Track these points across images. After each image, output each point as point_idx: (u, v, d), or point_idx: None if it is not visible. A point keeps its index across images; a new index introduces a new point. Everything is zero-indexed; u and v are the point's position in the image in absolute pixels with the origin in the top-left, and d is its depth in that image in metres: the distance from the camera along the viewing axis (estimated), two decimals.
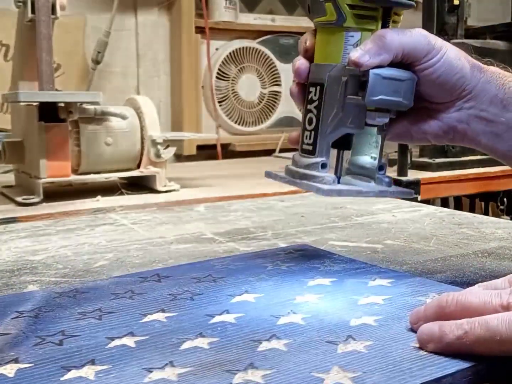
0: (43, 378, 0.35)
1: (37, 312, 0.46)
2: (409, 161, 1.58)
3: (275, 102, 2.35)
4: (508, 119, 0.52)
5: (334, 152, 0.55)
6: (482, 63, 0.54)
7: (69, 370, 0.36)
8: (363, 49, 0.49)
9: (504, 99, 0.52)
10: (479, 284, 0.42)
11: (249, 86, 2.29)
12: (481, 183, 1.72)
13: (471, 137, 0.54)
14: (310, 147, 0.54)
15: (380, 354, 0.37)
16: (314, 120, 0.54)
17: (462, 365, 0.35)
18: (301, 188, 0.56)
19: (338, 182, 0.55)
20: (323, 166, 0.54)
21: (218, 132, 2.24)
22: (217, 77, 2.24)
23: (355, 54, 0.49)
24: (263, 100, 2.34)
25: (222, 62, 2.24)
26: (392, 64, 0.51)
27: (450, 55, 0.51)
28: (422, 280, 0.54)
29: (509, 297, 0.37)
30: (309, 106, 0.54)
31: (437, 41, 0.51)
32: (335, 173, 0.56)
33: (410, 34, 0.51)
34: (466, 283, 0.55)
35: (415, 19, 2.50)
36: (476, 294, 0.38)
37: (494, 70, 0.53)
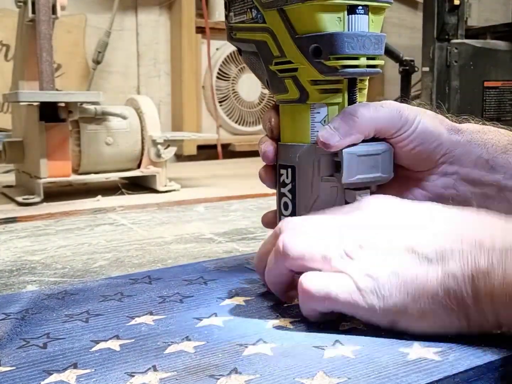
0: (23, 382, 0.34)
1: (24, 314, 0.46)
2: None
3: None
4: (497, 180, 0.49)
5: None
6: (459, 121, 0.52)
7: (50, 374, 0.35)
8: (332, 128, 0.46)
9: (490, 159, 0.49)
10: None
11: (249, 86, 2.29)
12: None
13: (461, 200, 0.51)
14: None
15: (367, 360, 0.36)
16: (290, 205, 0.51)
17: (450, 371, 0.34)
18: None
19: None
20: None
21: (219, 132, 2.24)
22: (217, 77, 2.24)
23: (324, 135, 0.46)
24: (263, 100, 2.34)
25: (223, 62, 2.24)
26: (364, 139, 0.47)
27: (426, 124, 0.48)
28: None
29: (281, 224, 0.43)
30: (282, 190, 0.51)
31: (411, 113, 0.48)
32: None
33: (382, 110, 0.47)
34: None
35: (415, 19, 2.50)
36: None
37: (472, 129, 0.51)
